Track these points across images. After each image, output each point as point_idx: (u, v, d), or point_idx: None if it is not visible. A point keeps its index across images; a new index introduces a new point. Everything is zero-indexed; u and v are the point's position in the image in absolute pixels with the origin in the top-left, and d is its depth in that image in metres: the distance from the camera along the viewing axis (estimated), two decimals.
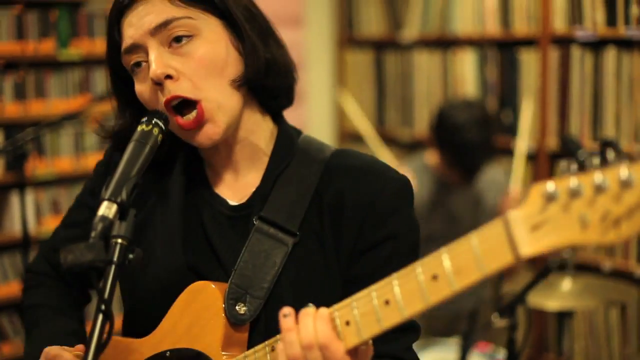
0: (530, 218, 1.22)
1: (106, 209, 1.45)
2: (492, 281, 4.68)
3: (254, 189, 1.77)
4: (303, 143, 1.81)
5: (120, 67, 1.73)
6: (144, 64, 1.67)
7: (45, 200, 4.86)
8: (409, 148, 5.44)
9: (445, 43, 5.20)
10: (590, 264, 4.32)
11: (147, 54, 1.65)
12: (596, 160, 1.18)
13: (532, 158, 4.73)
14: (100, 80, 4.93)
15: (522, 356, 4.64)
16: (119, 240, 1.44)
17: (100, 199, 1.47)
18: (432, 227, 4.15)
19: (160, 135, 1.61)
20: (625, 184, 1.15)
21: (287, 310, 1.45)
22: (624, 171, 1.15)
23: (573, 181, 1.18)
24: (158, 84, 1.64)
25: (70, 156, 4.91)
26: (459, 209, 4.17)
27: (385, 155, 4.74)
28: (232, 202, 1.78)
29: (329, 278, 1.70)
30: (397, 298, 1.36)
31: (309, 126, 5.89)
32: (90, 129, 4.92)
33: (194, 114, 1.65)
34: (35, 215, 4.81)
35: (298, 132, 1.84)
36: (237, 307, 1.66)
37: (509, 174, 4.56)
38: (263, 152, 1.78)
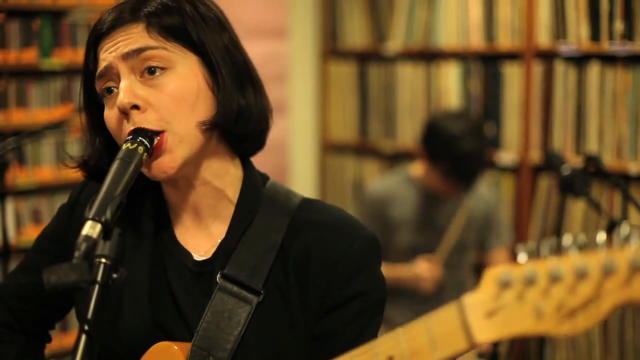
0: (484, 304, 1.20)
1: (90, 229, 1.42)
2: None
3: (218, 241, 1.73)
4: (270, 192, 1.77)
5: (94, 94, 1.70)
6: (114, 90, 1.65)
7: (25, 210, 4.83)
8: (392, 159, 5.44)
9: (429, 56, 5.20)
10: None
11: (119, 80, 1.63)
12: (552, 245, 1.16)
13: (515, 171, 4.74)
14: None
15: None
16: (103, 260, 1.41)
17: (84, 218, 1.44)
18: (417, 240, 4.14)
19: (145, 154, 1.57)
20: (581, 275, 1.13)
21: None
22: (578, 260, 1.14)
23: (528, 268, 1.17)
24: (124, 113, 1.61)
25: (52, 166, 4.88)
26: (445, 222, 4.16)
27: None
28: (196, 256, 1.74)
29: (295, 336, 1.67)
30: None
31: (292, 137, 5.88)
32: (72, 138, 4.89)
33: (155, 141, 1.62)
34: (15, 224, 4.77)
35: (264, 179, 1.80)
36: None
37: (493, 187, 4.57)
38: (228, 199, 1.74)
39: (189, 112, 1.63)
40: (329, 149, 5.96)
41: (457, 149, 3.93)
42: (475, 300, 1.21)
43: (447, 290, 4.17)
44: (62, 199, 1.98)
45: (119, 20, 1.65)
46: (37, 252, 1.92)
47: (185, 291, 1.71)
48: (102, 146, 1.75)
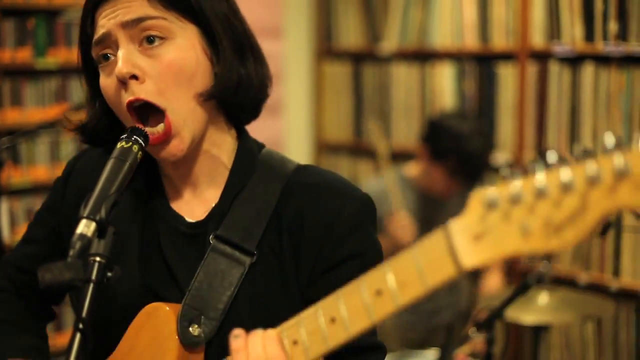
0: (471, 227, 1.18)
1: (85, 227, 1.42)
2: (469, 293, 4.69)
3: (212, 206, 1.73)
4: (264, 158, 1.77)
5: (92, 60, 1.69)
6: (111, 57, 1.63)
7: (20, 209, 4.83)
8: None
9: (423, 56, 5.20)
10: (566, 277, 4.33)
11: (116, 48, 1.62)
12: (539, 164, 1.13)
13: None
14: (77, 89, 4.90)
15: None
16: (98, 259, 1.41)
17: (79, 216, 1.43)
18: (415, 240, 4.14)
19: (139, 153, 1.57)
20: (566, 188, 1.10)
21: (237, 331, 1.44)
22: (563, 174, 1.11)
23: (514, 187, 1.14)
24: (122, 82, 1.60)
25: (46, 165, 4.88)
26: (441, 222, 4.16)
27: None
28: (189, 219, 1.74)
29: (287, 298, 1.67)
30: (342, 315, 1.33)
31: (287, 138, 5.88)
32: (67, 138, 4.89)
33: (160, 127, 1.62)
34: (9, 223, 4.77)
35: (260, 146, 1.80)
36: (190, 329, 1.62)
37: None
38: (224, 166, 1.74)
39: (187, 84, 1.62)
40: (324, 148, 5.96)
41: (465, 147, 3.95)
42: (462, 225, 1.19)
43: (441, 291, 4.17)
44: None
45: None
46: (36, 224, 1.94)
47: (178, 254, 1.71)
48: (100, 110, 1.74)
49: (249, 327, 1.46)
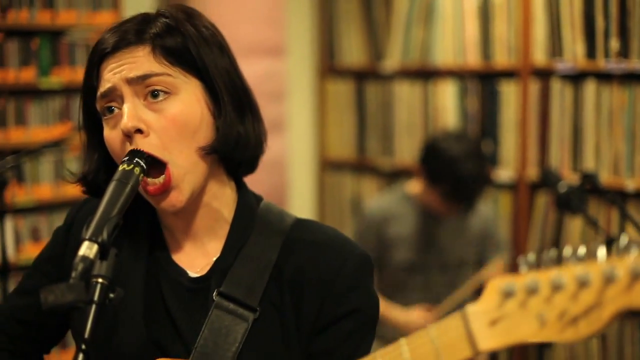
0: (488, 313, 1.23)
1: (87, 249, 1.44)
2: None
3: (213, 259, 1.75)
4: (263, 212, 1.79)
5: (94, 111, 1.71)
6: (116, 110, 1.65)
7: (24, 228, 4.84)
8: (389, 177, 5.46)
9: (426, 74, 5.22)
10: None
11: (121, 101, 1.64)
12: (553, 256, 1.20)
13: (512, 188, 4.75)
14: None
15: None
16: (100, 280, 1.43)
17: (81, 238, 1.45)
18: (415, 258, 4.14)
19: (141, 175, 1.58)
20: (583, 283, 1.16)
21: None
22: (580, 270, 1.17)
23: (530, 278, 1.20)
24: (127, 136, 1.62)
25: (50, 184, 4.89)
26: (444, 241, 4.17)
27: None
28: (191, 273, 1.75)
29: (289, 352, 1.69)
30: None
31: (291, 155, 5.89)
32: (71, 157, 4.91)
33: (161, 179, 1.64)
34: (14, 242, 4.78)
35: (258, 199, 1.83)
36: None
37: (490, 205, 4.58)
38: (224, 219, 1.76)
39: (190, 139, 1.64)
40: (327, 166, 5.98)
41: (457, 172, 3.91)
42: (479, 309, 1.24)
43: (448, 311, 4.17)
44: (61, 217, 1.99)
45: (123, 41, 1.65)
46: (34, 274, 1.93)
47: (181, 308, 1.72)
48: (100, 162, 1.76)
49: None
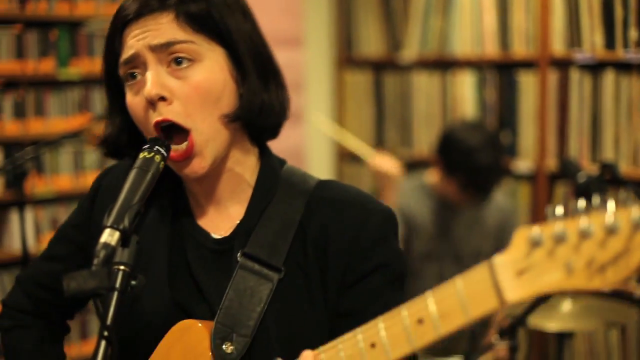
0: (515, 263, 1.22)
1: (108, 236, 1.45)
2: None
3: (237, 222, 1.75)
4: (286, 174, 1.79)
5: (117, 76, 1.71)
6: (139, 77, 1.66)
7: (44, 218, 4.86)
8: (408, 168, 5.43)
9: (444, 64, 5.21)
10: None
11: (145, 67, 1.64)
12: (582, 205, 1.18)
13: (531, 179, 4.74)
14: (100, 99, 4.94)
15: None
16: (122, 267, 1.43)
17: (102, 226, 1.46)
18: (432, 246, 4.14)
19: (162, 163, 1.59)
20: (611, 230, 1.15)
21: None
22: (609, 217, 1.16)
23: (558, 227, 1.18)
24: (151, 103, 1.63)
25: (70, 174, 4.91)
26: (460, 231, 4.17)
27: (364, 150, 4.68)
28: (215, 235, 1.76)
29: (315, 312, 1.69)
30: (383, 341, 1.35)
31: (308, 146, 5.90)
32: (90, 148, 4.93)
33: (184, 145, 1.64)
34: (34, 232, 4.81)
35: (281, 162, 1.83)
36: (224, 347, 1.64)
37: (510, 196, 4.57)
38: (247, 183, 1.77)
39: (213, 106, 1.65)
40: (345, 157, 5.97)
41: (473, 162, 3.93)
42: (506, 260, 1.23)
43: None
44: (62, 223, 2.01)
45: (147, 7, 1.64)
46: (59, 241, 1.95)
47: (205, 271, 1.73)
48: (122, 125, 1.76)
49: (278, 342, 1.48)
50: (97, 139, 1.81)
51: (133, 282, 1.45)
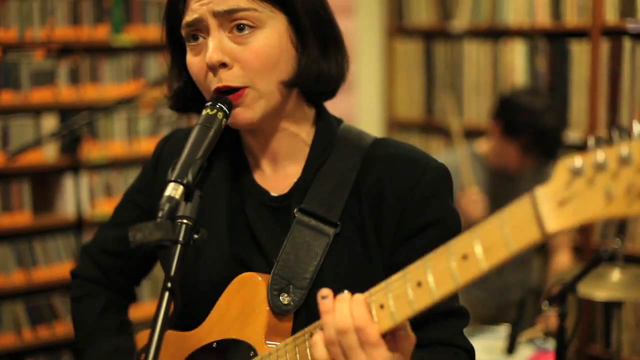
0: (556, 194, 1.22)
1: (172, 190, 1.48)
2: (539, 271, 4.69)
3: (294, 180, 1.78)
4: (343, 133, 1.82)
5: (178, 34, 1.74)
6: (200, 39, 1.69)
7: (98, 184, 4.93)
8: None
9: (495, 33, 5.19)
10: (639, 255, 4.31)
11: (207, 32, 1.67)
12: (623, 133, 1.18)
13: (581, 149, 4.72)
14: (153, 66, 4.99)
15: (571, 346, 4.64)
16: (185, 221, 1.47)
17: (167, 180, 1.50)
18: (484, 216, 4.15)
19: (224, 120, 1.62)
20: None
21: (325, 291, 1.47)
22: None
23: (599, 155, 1.18)
24: (211, 68, 1.66)
25: (123, 140, 4.97)
26: (510, 198, 4.17)
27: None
28: (273, 193, 1.79)
29: (370, 267, 1.72)
30: (428, 279, 1.36)
31: (359, 115, 5.91)
32: (143, 114, 4.98)
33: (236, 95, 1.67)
34: (89, 197, 4.88)
35: (338, 121, 1.85)
36: (280, 298, 1.68)
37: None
38: (304, 142, 1.80)
39: (272, 71, 1.67)
40: (395, 126, 5.98)
41: (540, 122, 3.94)
42: (548, 191, 1.22)
43: (509, 268, 4.18)
44: (133, 174, 2.06)
45: None
46: (125, 206, 2.01)
47: (264, 226, 1.77)
48: (187, 79, 1.79)
49: (334, 295, 1.50)
50: (167, 93, 1.84)
51: (195, 236, 1.48)
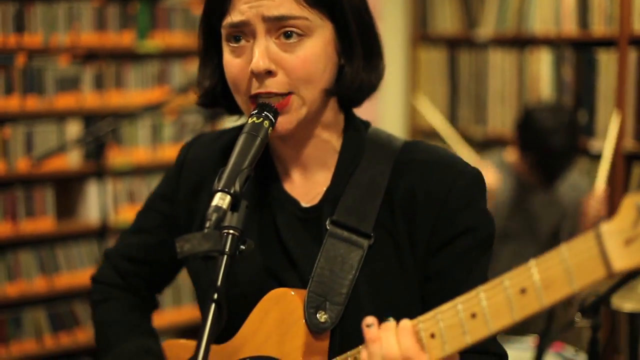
0: (623, 232, 1.19)
1: (220, 200, 1.46)
2: None
3: (324, 189, 1.75)
4: (372, 137, 1.78)
5: (217, 30, 1.70)
6: (243, 42, 1.65)
7: (121, 190, 4.94)
8: (482, 146, 5.42)
9: (521, 42, 5.17)
10: None
11: (252, 35, 1.63)
12: None
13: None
14: (178, 72, 4.99)
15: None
16: (231, 231, 1.45)
17: (214, 190, 1.48)
18: (509, 225, 4.14)
19: (270, 128, 1.60)
20: None
21: (370, 320, 1.45)
22: None
23: None
24: (256, 74, 1.62)
25: (147, 147, 4.98)
26: (537, 210, 4.16)
27: (465, 152, 4.71)
28: (303, 204, 1.76)
29: (406, 277, 1.68)
30: (484, 311, 1.33)
31: (382, 123, 5.89)
32: (168, 120, 4.98)
33: (278, 98, 1.64)
34: (112, 204, 4.88)
35: (366, 125, 1.81)
36: (317, 315, 1.64)
37: (585, 176, 4.54)
38: (333, 149, 1.76)
39: (317, 80, 1.65)
40: (419, 134, 5.96)
41: (546, 143, 3.95)
42: (614, 228, 1.20)
43: None
44: (157, 181, 2.03)
45: None
46: (147, 212, 1.98)
47: (295, 238, 1.74)
48: (218, 75, 1.76)
49: (371, 309, 1.48)
50: (201, 89, 1.79)
51: (242, 247, 1.47)
